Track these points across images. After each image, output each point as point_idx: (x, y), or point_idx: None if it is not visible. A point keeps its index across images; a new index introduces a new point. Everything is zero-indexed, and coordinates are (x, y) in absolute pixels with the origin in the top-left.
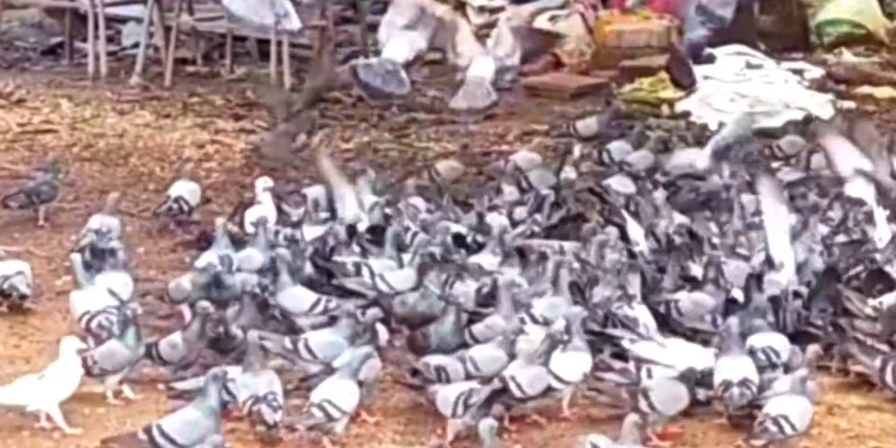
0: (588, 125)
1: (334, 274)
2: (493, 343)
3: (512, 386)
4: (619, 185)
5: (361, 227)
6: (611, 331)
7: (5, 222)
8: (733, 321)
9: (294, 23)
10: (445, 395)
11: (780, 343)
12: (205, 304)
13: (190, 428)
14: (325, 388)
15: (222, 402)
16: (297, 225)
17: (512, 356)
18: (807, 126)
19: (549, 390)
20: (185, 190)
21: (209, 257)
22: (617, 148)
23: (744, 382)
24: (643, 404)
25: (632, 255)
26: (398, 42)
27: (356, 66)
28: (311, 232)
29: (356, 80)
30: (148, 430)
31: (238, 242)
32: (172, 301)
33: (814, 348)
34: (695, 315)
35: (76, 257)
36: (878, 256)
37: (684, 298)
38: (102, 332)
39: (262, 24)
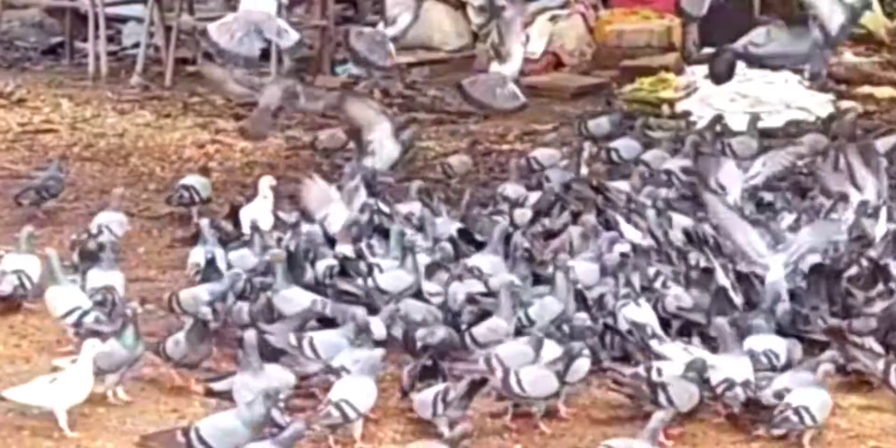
0: (600, 124)
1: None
2: (522, 339)
3: (513, 382)
4: (622, 184)
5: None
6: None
7: (5, 222)
8: (722, 320)
9: (288, 39)
10: (422, 399)
11: (779, 345)
12: (205, 309)
13: (227, 436)
14: (343, 386)
15: (266, 419)
16: (295, 226)
17: (538, 354)
18: (831, 124)
19: (555, 396)
20: (196, 181)
21: (197, 254)
22: (625, 146)
23: (746, 382)
24: (662, 398)
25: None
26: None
27: (349, 32)
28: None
29: (346, 46)
30: (186, 433)
31: (230, 241)
32: (184, 312)
33: (830, 353)
34: (674, 309)
35: (52, 253)
36: (872, 253)
37: (669, 293)
38: (101, 327)
39: (248, 58)
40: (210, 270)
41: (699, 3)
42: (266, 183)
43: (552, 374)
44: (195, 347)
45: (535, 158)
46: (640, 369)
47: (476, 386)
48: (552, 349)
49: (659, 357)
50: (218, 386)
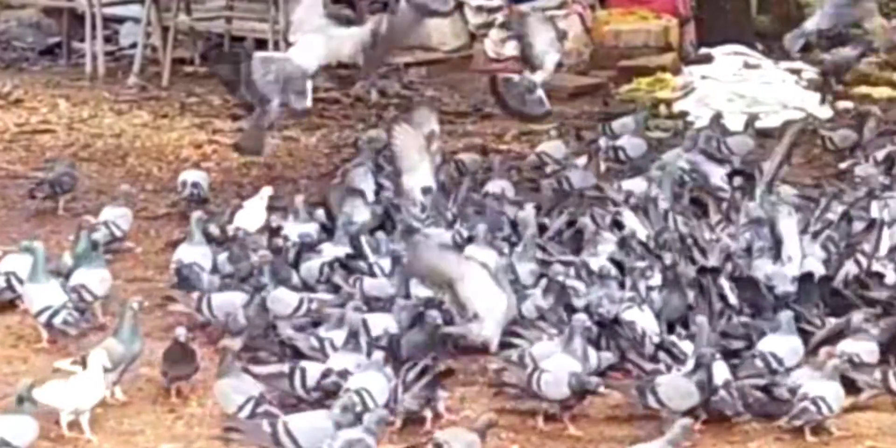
0: (624, 124)
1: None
2: (555, 340)
3: (533, 383)
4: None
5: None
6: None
7: (2, 222)
8: (701, 320)
9: (300, 104)
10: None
11: (786, 347)
12: (181, 330)
13: (315, 432)
14: (361, 378)
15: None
16: (276, 231)
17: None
18: (863, 120)
19: (567, 400)
20: (197, 176)
21: (183, 251)
22: (631, 144)
23: (727, 384)
24: (651, 401)
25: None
26: None
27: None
28: (294, 230)
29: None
30: (273, 424)
31: (218, 244)
32: (230, 332)
33: (826, 349)
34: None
35: (38, 246)
36: (865, 247)
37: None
38: (68, 328)
39: (263, 96)
40: (188, 271)
41: (796, 41)
42: (266, 192)
43: (563, 377)
44: (175, 365)
45: (545, 153)
46: (661, 366)
47: (439, 376)
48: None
49: (677, 357)
50: (262, 370)
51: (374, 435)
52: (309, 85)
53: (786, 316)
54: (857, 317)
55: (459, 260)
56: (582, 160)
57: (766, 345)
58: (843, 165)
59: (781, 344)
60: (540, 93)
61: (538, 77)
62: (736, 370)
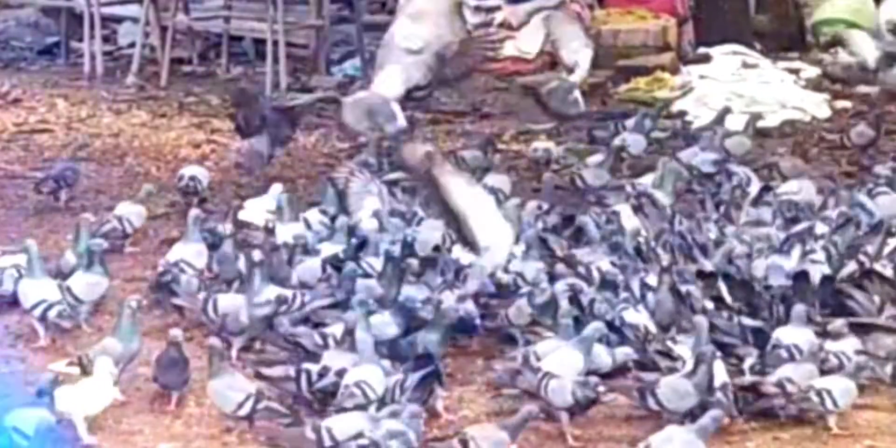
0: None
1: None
2: (558, 338)
3: (541, 389)
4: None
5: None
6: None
7: (1, 222)
8: (699, 319)
9: (393, 126)
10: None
11: (804, 338)
12: (176, 332)
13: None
14: (358, 371)
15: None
16: (271, 231)
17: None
18: (878, 118)
19: (571, 408)
20: (196, 172)
21: (179, 249)
22: (633, 141)
23: (724, 386)
24: (651, 402)
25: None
26: None
27: None
28: (284, 230)
29: None
30: (317, 430)
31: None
32: (229, 332)
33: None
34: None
35: (31, 244)
36: (868, 249)
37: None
38: (62, 321)
39: (354, 129)
40: (168, 273)
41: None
42: (277, 189)
43: (570, 383)
44: (167, 372)
45: (548, 150)
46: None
47: (430, 377)
48: (598, 351)
49: (675, 358)
50: (268, 372)
51: (415, 431)
52: (397, 108)
53: (798, 309)
54: (836, 324)
55: None
56: (594, 158)
57: (785, 337)
58: (876, 167)
59: (799, 335)
60: (577, 94)
61: (576, 77)
62: (763, 361)
